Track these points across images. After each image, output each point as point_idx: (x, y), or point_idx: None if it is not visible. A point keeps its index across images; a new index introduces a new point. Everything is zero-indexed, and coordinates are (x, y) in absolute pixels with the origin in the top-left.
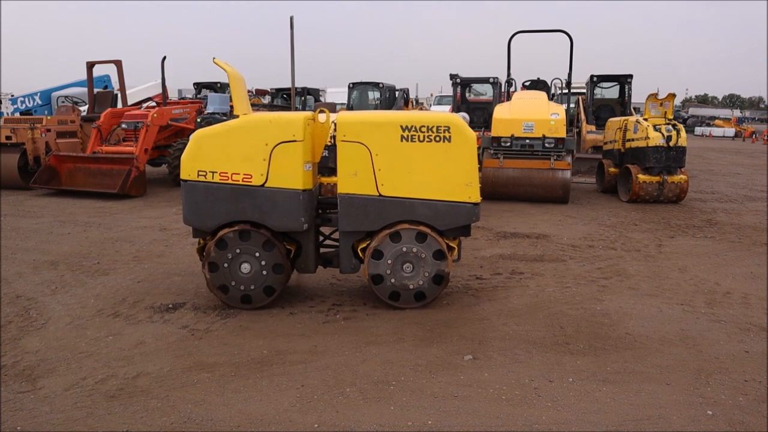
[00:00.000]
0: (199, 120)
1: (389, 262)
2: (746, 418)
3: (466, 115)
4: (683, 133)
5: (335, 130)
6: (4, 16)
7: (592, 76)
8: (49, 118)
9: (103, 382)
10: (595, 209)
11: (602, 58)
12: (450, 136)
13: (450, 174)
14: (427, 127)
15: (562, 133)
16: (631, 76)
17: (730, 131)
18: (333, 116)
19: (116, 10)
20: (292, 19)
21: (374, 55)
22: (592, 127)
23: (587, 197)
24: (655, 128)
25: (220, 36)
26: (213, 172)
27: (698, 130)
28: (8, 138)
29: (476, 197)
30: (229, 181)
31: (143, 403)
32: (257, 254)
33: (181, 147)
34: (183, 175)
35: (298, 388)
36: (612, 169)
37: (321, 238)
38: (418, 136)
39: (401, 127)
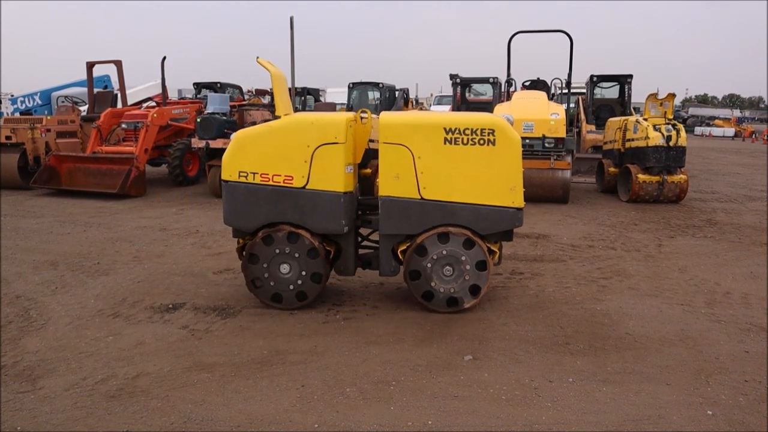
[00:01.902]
0: (198, 120)
1: (445, 252)
2: (746, 418)
3: (511, 117)
4: (683, 133)
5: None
6: (4, 16)
7: (591, 76)
8: (49, 118)
9: (103, 382)
10: (595, 209)
11: (602, 58)
12: (494, 139)
13: (493, 177)
14: (471, 129)
15: (561, 133)
16: (630, 76)
17: (730, 131)
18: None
19: (116, 10)
20: (292, 19)
21: (374, 55)
22: (592, 127)
23: (587, 197)
24: (655, 128)
25: (220, 36)
26: (254, 173)
27: (698, 130)
28: (8, 138)
29: (520, 202)
30: (270, 183)
31: (143, 403)
32: (303, 273)
33: (181, 147)
34: (224, 176)
35: (298, 388)
36: (612, 169)
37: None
38: (462, 138)
39: (445, 129)
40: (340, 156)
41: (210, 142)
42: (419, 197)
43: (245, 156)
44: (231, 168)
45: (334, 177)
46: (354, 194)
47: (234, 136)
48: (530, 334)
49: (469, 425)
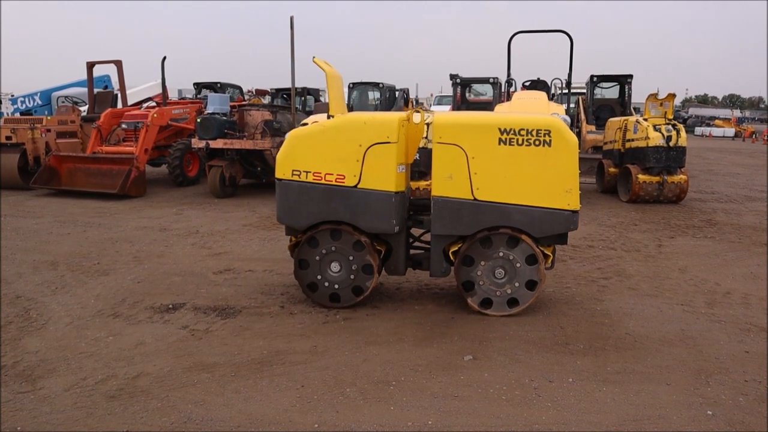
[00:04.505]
0: (198, 120)
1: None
2: (746, 418)
3: (567, 118)
4: (683, 133)
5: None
6: (4, 16)
7: (592, 76)
8: (49, 118)
9: (103, 383)
10: (595, 209)
11: (602, 58)
12: (550, 140)
13: (549, 179)
14: (527, 130)
15: None
16: (631, 76)
17: (730, 131)
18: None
19: (116, 10)
20: (292, 19)
21: (374, 55)
22: (592, 127)
23: (587, 197)
24: (655, 128)
25: (220, 36)
26: (307, 172)
27: (698, 130)
28: (8, 138)
29: (576, 204)
30: (323, 182)
31: (143, 404)
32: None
33: (181, 147)
34: (278, 174)
35: (298, 389)
36: (612, 169)
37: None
38: (517, 139)
39: (499, 129)
40: (392, 155)
41: (210, 142)
42: (472, 198)
43: (298, 155)
44: (284, 167)
45: (385, 176)
46: (406, 194)
47: (288, 135)
48: (530, 334)
49: (469, 425)
